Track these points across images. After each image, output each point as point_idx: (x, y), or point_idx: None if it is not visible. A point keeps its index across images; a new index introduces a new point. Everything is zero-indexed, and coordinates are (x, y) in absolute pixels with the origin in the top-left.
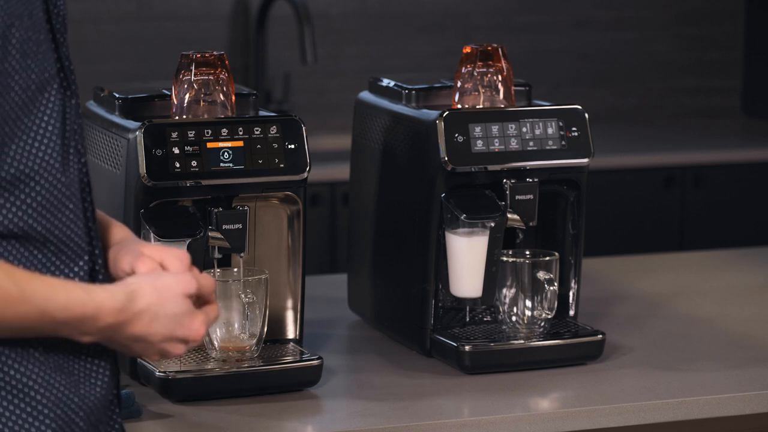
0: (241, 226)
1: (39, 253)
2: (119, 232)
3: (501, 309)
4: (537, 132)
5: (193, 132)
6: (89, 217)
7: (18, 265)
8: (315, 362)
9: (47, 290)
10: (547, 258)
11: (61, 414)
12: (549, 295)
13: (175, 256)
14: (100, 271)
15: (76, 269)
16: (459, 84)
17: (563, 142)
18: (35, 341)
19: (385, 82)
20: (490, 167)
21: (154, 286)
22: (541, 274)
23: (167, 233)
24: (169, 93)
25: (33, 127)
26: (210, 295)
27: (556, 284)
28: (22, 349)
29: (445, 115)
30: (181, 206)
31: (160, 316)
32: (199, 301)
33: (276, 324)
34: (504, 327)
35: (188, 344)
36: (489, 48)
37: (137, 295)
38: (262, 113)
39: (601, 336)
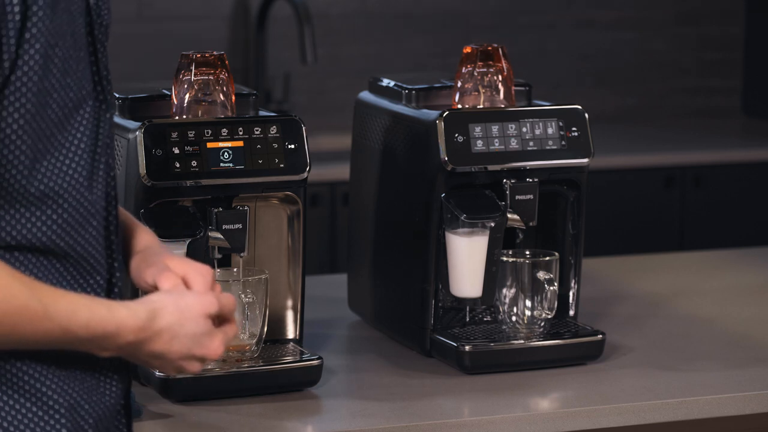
0: (241, 226)
1: (60, 265)
2: (144, 238)
3: (501, 309)
4: (537, 132)
5: (193, 132)
6: (112, 230)
7: (37, 275)
8: (315, 362)
9: (70, 308)
10: (547, 258)
11: (72, 420)
12: (549, 295)
13: (199, 272)
14: (116, 284)
15: (92, 282)
16: (459, 84)
17: (563, 142)
18: (51, 350)
19: (385, 82)
20: (490, 167)
21: (177, 306)
22: (541, 274)
23: (167, 233)
24: (169, 93)
25: (66, 144)
26: (230, 314)
27: (556, 284)
28: (37, 354)
29: (445, 115)
30: (181, 206)
31: (180, 336)
32: (219, 319)
33: (276, 324)
34: (504, 327)
35: (205, 362)
36: (489, 48)
37: (159, 313)
38: (262, 113)
39: (601, 336)
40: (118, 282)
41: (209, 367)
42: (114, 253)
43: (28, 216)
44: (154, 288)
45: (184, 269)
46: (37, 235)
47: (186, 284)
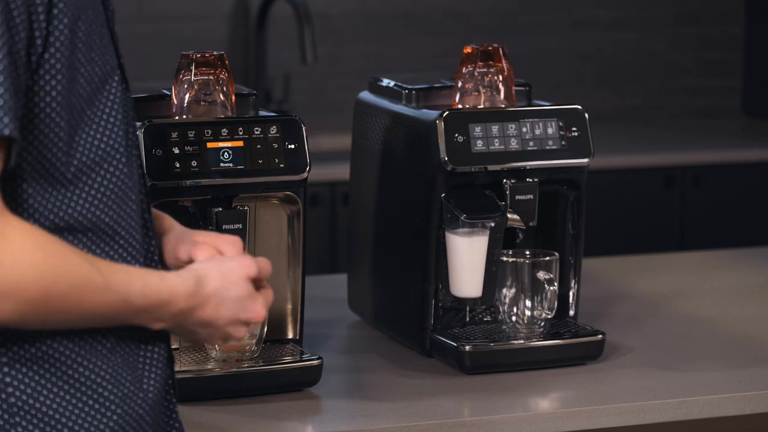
0: (241, 226)
1: (106, 245)
2: (168, 221)
3: (501, 309)
4: (537, 132)
5: (193, 132)
6: (145, 208)
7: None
8: (315, 362)
9: (126, 277)
10: (547, 258)
11: (128, 410)
12: (549, 295)
13: (229, 242)
14: (152, 262)
15: (130, 260)
16: (460, 84)
17: (563, 142)
18: (104, 337)
19: (385, 82)
20: (490, 167)
21: (220, 271)
22: (541, 274)
23: None
24: (169, 93)
25: (95, 119)
26: (266, 278)
27: (556, 284)
28: (90, 345)
29: (445, 115)
30: (181, 206)
31: (226, 300)
32: (256, 284)
33: (276, 324)
34: (504, 327)
35: (249, 326)
36: (489, 48)
37: (205, 279)
38: (262, 113)
39: (601, 336)
40: (153, 259)
41: (209, 367)
42: (150, 231)
43: (70, 195)
44: (190, 263)
45: (215, 241)
46: (82, 212)
47: (219, 254)
